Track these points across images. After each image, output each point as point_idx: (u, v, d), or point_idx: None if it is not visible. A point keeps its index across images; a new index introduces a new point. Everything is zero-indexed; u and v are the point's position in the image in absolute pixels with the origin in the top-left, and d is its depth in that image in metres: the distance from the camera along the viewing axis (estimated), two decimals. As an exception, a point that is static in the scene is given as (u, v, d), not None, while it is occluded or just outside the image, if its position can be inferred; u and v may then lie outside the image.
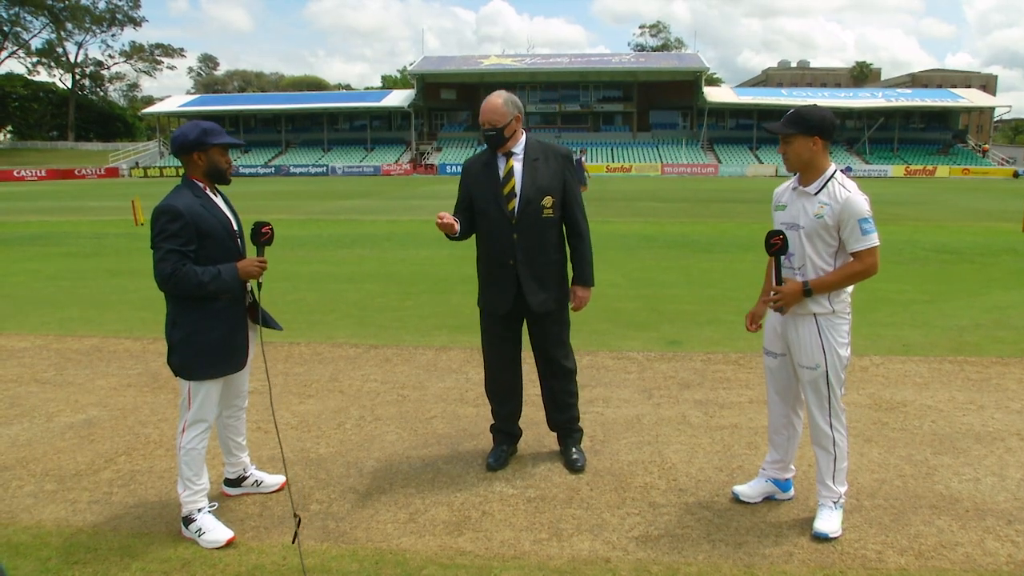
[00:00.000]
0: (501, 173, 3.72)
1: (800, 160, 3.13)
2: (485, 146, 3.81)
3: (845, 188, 3.07)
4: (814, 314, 3.15)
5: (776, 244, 3.14)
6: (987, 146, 65.66)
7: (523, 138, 3.78)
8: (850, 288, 3.19)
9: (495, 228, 3.72)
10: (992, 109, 68.72)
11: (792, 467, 3.54)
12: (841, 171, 3.19)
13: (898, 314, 7.61)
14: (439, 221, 3.57)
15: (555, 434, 4.16)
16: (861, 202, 3.03)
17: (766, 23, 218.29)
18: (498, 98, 3.66)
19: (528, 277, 3.71)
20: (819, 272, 3.13)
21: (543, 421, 4.56)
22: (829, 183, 3.11)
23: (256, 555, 3.09)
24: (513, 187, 3.69)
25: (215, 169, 3.21)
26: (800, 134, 3.09)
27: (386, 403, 4.98)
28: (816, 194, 3.12)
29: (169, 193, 3.15)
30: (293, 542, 2.87)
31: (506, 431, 4.06)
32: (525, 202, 3.67)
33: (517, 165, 3.72)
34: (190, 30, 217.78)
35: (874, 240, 3.03)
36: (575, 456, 4.00)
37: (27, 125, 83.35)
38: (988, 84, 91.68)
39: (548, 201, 3.71)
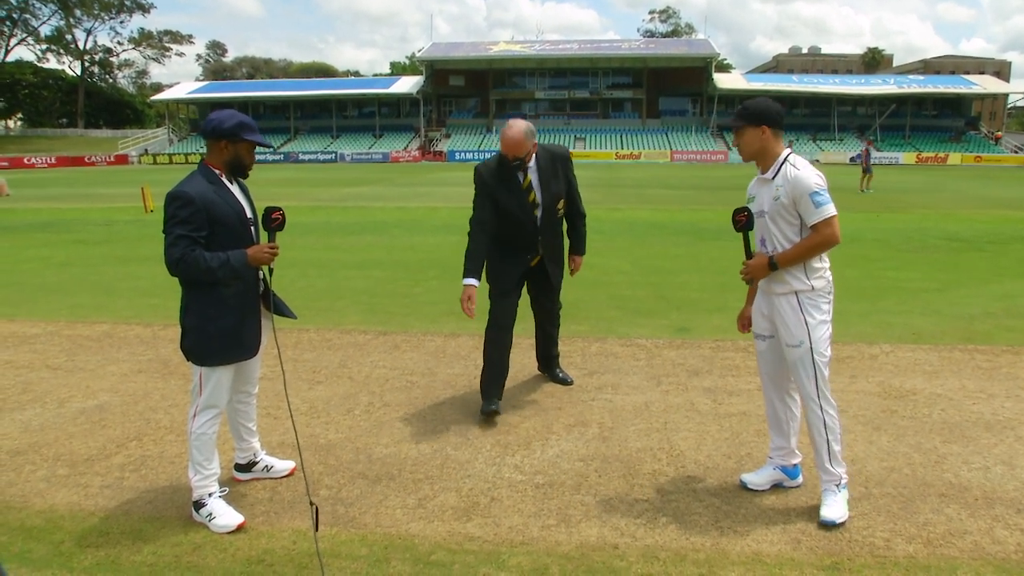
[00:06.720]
0: (522, 185, 4.38)
1: (751, 149, 3.31)
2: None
3: (795, 167, 3.20)
4: (795, 292, 3.24)
5: (741, 220, 3.34)
6: (1000, 133, 64.91)
7: (534, 153, 4.42)
8: (827, 263, 3.28)
9: (523, 231, 4.46)
10: (1006, 96, 67.85)
11: (797, 452, 3.54)
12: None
13: (908, 302, 7.58)
14: (469, 309, 4.19)
15: (540, 365, 5.23)
16: (810, 176, 3.14)
17: (780, 8, 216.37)
18: (518, 133, 4.20)
19: (549, 261, 4.65)
20: None
21: (551, 408, 4.60)
22: (783, 166, 3.24)
23: (266, 539, 3.12)
24: (535, 198, 4.42)
25: (238, 162, 3.21)
26: (749, 125, 3.27)
27: (395, 389, 5.00)
28: (773, 179, 3.26)
29: (183, 179, 3.15)
30: (316, 531, 2.88)
31: (501, 384, 4.58)
32: (545, 211, 4.48)
33: (532, 176, 4.40)
34: (198, 16, 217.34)
35: (828, 211, 3.10)
36: (562, 375, 5.11)
37: (37, 112, 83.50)
38: (1002, 70, 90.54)
39: (561, 204, 4.58)
